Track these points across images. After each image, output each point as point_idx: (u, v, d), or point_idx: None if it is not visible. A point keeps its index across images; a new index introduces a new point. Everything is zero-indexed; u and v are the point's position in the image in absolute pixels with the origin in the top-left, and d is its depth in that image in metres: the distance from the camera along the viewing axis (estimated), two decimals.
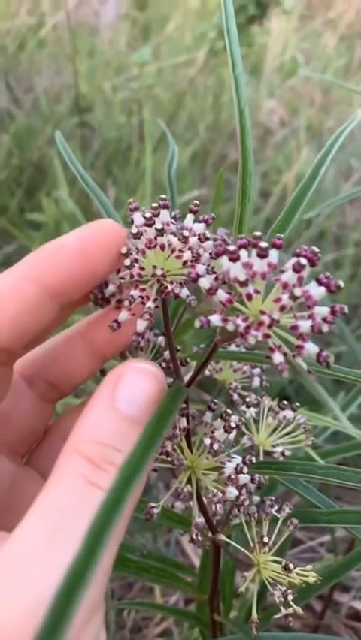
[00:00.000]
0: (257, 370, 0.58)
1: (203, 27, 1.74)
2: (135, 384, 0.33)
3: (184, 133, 2.21)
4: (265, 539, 0.46)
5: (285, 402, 0.54)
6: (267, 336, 0.31)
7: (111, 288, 0.39)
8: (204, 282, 0.34)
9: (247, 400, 0.54)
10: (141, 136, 2.02)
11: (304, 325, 0.31)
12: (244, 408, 0.54)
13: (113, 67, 2.52)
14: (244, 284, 0.32)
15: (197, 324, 0.32)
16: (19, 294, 0.34)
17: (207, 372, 0.58)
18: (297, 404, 0.55)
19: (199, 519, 0.44)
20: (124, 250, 0.37)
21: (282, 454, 0.52)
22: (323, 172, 0.49)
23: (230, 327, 0.31)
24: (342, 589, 1.01)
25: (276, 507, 0.47)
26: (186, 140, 2.17)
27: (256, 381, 0.58)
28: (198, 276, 0.34)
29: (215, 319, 0.32)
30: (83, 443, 0.31)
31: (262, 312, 0.31)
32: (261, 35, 2.82)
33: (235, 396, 0.57)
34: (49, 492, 0.30)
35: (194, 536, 0.44)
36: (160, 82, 2.42)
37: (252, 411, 0.54)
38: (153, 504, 0.43)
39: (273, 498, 0.47)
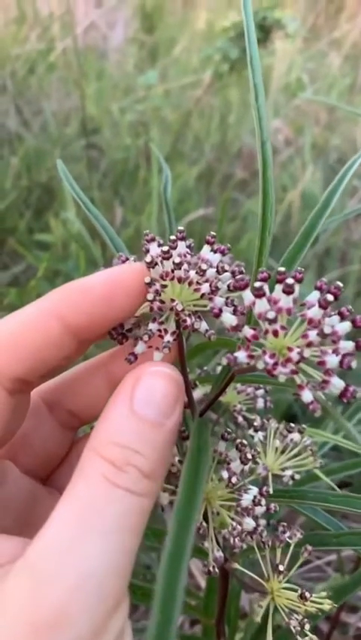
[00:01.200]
0: (261, 392, 0.58)
1: (208, 51, 1.77)
2: (153, 386, 0.34)
3: (191, 153, 2.24)
4: (281, 567, 0.45)
5: (292, 424, 0.54)
6: (295, 372, 0.31)
7: (129, 323, 0.38)
8: (229, 319, 0.33)
9: (255, 423, 0.54)
10: (147, 156, 2.05)
11: (332, 361, 0.31)
12: (251, 432, 0.54)
13: (121, 89, 2.57)
14: (272, 321, 0.32)
15: (224, 361, 0.32)
16: (44, 328, 0.35)
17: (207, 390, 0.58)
18: (304, 426, 0.54)
19: (218, 553, 0.43)
20: (147, 280, 0.36)
21: (292, 477, 0.51)
22: (334, 202, 0.47)
23: (260, 365, 0.31)
24: (349, 609, 1.00)
25: (288, 533, 0.46)
26: (193, 160, 2.19)
27: (260, 403, 0.58)
28: (221, 311, 0.34)
29: (241, 356, 0.32)
30: (103, 445, 0.32)
31: (290, 349, 0.31)
32: (266, 56, 2.87)
33: (240, 419, 0.57)
34: (73, 492, 0.31)
35: (211, 569, 0.43)
36: (167, 103, 2.46)
37: (259, 435, 0.53)
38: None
39: (285, 524, 0.47)
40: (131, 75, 2.74)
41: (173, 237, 0.38)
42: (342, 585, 0.57)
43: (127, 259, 0.39)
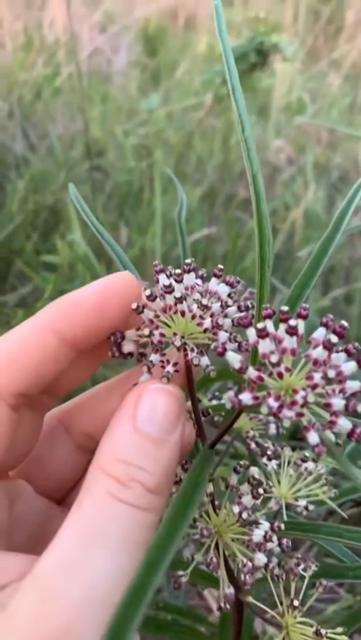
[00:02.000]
0: (273, 417, 0.58)
1: (208, 75, 1.80)
2: (155, 403, 0.35)
3: (193, 173, 2.28)
4: (295, 603, 0.44)
5: (306, 454, 0.53)
6: (301, 415, 0.31)
7: (130, 346, 0.38)
8: (233, 358, 0.33)
9: (268, 452, 0.53)
10: (151, 178, 2.08)
11: (338, 404, 0.31)
12: (265, 460, 0.53)
13: (125, 112, 2.62)
14: (276, 364, 0.32)
15: (228, 404, 0.32)
16: (41, 343, 0.36)
17: (216, 418, 0.57)
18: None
19: (229, 590, 0.42)
20: (134, 306, 0.37)
21: (306, 508, 0.50)
22: (344, 226, 0.46)
23: (264, 410, 0.31)
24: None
25: (302, 565, 0.46)
26: (196, 181, 2.23)
27: (273, 429, 0.58)
28: (225, 349, 0.34)
29: (246, 398, 0.32)
30: (108, 462, 0.33)
31: (295, 391, 0.31)
32: (267, 77, 2.91)
33: (253, 445, 0.56)
34: (79, 508, 0.32)
35: (222, 605, 0.42)
36: (170, 125, 2.50)
37: (273, 463, 0.53)
38: (180, 572, 0.42)
39: (299, 556, 0.46)
40: (135, 98, 2.79)
41: (179, 271, 0.38)
42: (356, 609, 0.56)
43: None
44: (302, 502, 0.50)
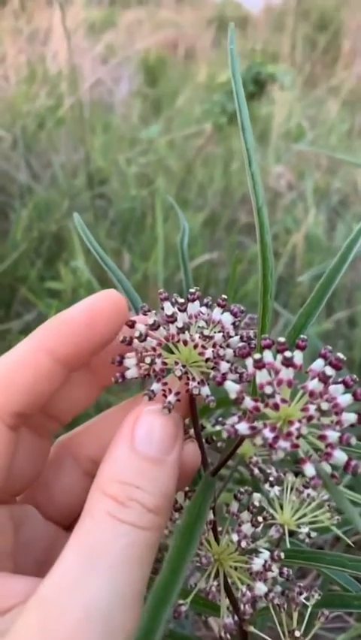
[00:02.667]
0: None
1: (207, 104, 1.84)
2: (151, 424, 0.35)
3: (195, 200, 2.30)
4: (297, 634, 0.44)
5: (308, 480, 0.53)
6: (296, 446, 0.31)
7: (133, 372, 0.38)
8: (231, 388, 0.33)
9: (270, 478, 0.53)
10: (153, 205, 2.11)
11: (333, 436, 0.31)
12: (267, 487, 0.53)
13: (127, 141, 2.67)
14: (271, 396, 0.32)
15: (224, 434, 0.32)
16: (35, 363, 0.37)
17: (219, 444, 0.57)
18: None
19: (228, 619, 0.41)
20: (137, 334, 0.37)
21: (308, 535, 0.50)
22: (352, 256, 0.46)
23: (258, 441, 0.31)
24: None
25: (305, 594, 0.45)
26: (198, 207, 2.25)
27: (275, 454, 0.58)
28: (224, 379, 0.34)
29: (243, 428, 0.32)
30: (107, 483, 0.33)
31: (290, 422, 0.31)
32: (266, 105, 2.97)
33: (256, 471, 0.56)
34: (81, 530, 0.32)
35: (223, 635, 0.41)
36: (171, 153, 2.54)
37: (276, 489, 0.52)
38: (181, 601, 0.41)
39: (301, 585, 0.46)
40: (136, 127, 2.84)
41: (182, 300, 0.38)
42: None
43: (149, 310, 0.40)
44: (305, 529, 0.50)
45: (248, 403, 0.32)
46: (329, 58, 4.30)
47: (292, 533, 0.50)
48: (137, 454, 0.34)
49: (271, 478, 0.53)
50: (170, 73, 4.17)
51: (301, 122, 3.05)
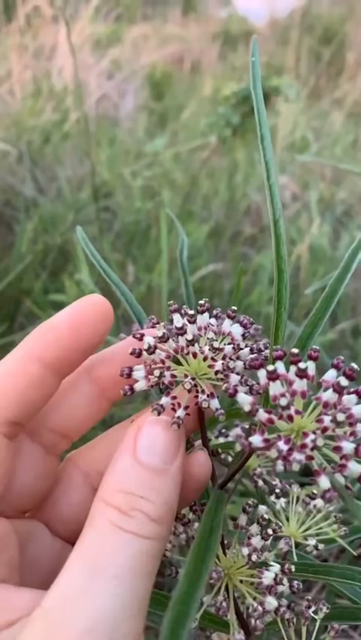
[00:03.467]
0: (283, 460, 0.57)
1: (212, 118, 1.86)
2: (154, 435, 0.35)
3: (200, 212, 2.31)
4: None
5: (314, 491, 0.52)
6: (310, 458, 0.31)
7: (142, 384, 0.38)
8: (244, 400, 0.33)
9: (276, 490, 0.52)
10: (158, 217, 2.12)
11: (348, 447, 0.31)
12: (273, 498, 0.52)
13: (133, 154, 2.68)
14: (285, 407, 0.32)
15: (237, 447, 0.32)
16: (25, 371, 0.37)
17: (230, 458, 0.56)
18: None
19: (239, 635, 0.40)
20: (145, 346, 0.37)
21: (316, 547, 0.49)
22: (355, 266, 0.46)
23: (272, 454, 0.31)
24: None
25: (313, 607, 0.44)
26: (202, 218, 2.26)
27: (280, 466, 0.57)
28: (236, 391, 0.34)
29: (256, 441, 0.31)
30: (110, 493, 0.33)
31: (305, 434, 0.31)
32: (271, 117, 2.99)
33: (261, 483, 0.56)
34: (84, 540, 0.32)
35: None
36: (176, 166, 2.56)
37: (281, 501, 0.52)
38: None
39: (309, 598, 0.45)
40: (142, 141, 2.86)
41: (192, 312, 0.38)
42: None
43: (158, 322, 0.40)
44: (312, 541, 0.49)
45: (262, 415, 0.32)
46: (333, 71, 4.33)
47: (297, 545, 0.50)
48: (140, 464, 0.34)
49: (277, 490, 0.52)
50: (175, 88, 4.20)
51: (305, 134, 3.07)
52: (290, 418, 0.32)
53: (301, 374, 0.32)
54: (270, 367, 0.32)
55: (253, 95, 0.48)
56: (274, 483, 0.55)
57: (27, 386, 0.37)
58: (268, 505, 0.49)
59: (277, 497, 0.52)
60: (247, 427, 0.59)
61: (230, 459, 0.56)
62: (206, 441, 0.41)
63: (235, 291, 0.73)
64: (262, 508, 0.45)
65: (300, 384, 0.32)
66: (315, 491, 0.52)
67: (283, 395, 0.32)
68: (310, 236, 2.05)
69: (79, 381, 0.41)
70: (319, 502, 0.51)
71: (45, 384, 0.38)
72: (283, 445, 0.31)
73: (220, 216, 2.32)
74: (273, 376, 0.32)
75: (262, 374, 0.33)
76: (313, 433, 0.31)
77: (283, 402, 0.32)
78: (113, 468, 0.35)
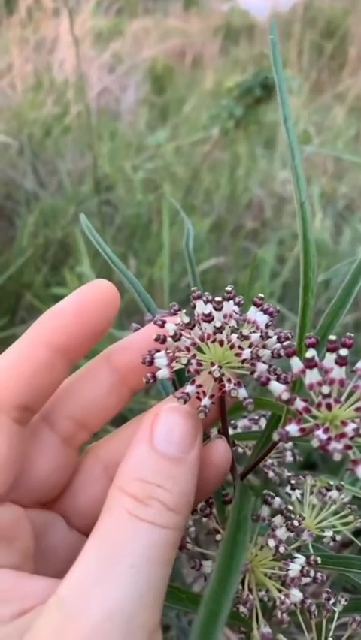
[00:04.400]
0: (289, 445, 0.57)
1: (215, 110, 1.85)
2: (171, 423, 0.35)
3: (201, 205, 2.31)
4: None
5: (330, 482, 0.52)
6: (349, 447, 0.30)
7: (165, 372, 0.37)
8: (278, 388, 0.32)
9: (292, 481, 0.52)
10: (159, 210, 2.11)
11: None
12: (288, 490, 0.51)
13: (134, 148, 2.68)
14: (327, 395, 0.31)
15: (275, 437, 0.31)
16: (34, 355, 0.37)
17: (240, 450, 0.56)
18: (342, 483, 0.52)
19: (266, 629, 0.39)
20: (171, 332, 0.36)
21: (333, 539, 0.48)
22: None
23: (314, 443, 0.30)
24: None
25: (332, 600, 0.43)
26: (204, 212, 2.25)
27: (289, 456, 0.57)
28: (268, 379, 0.33)
29: (293, 430, 0.31)
30: (127, 482, 0.33)
31: (343, 423, 0.31)
32: (273, 111, 2.98)
33: (271, 474, 0.55)
34: (100, 529, 0.32)
35: None
36: (178, 159, 2.55)
37: (297, 493, 0.51)
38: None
39: (329, 590, 0.44)
40: (143, 134, 2.85)
41: (218, 299, 0.37)
42: None
43: (179, 309, 0.39)
44: (329, 533, 0.48)
45: (299, 404, 0.31)
46: (335, 65, 4.31)
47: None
48: (156, 453, 0.34)
49: (292, 481, 0.52)
50: (177, 81, 4.19)
51: (307, 128, 3.05)
52: (329, 407, 0.31)
53: (342, 361, 0.31)
54: (309, 354, 0.32)
55: (274, 73, 0.46)
56: (288, 474, 0.54)
57: (36, 371, 0.37)
58: (281, 497, 0.48)
59: (293, 488, 0.51)
60: (256, 417, 0.59)
61: (240, 450, 0.56)
62: (226, 430, 0.41)
63: (248, 282, 0.71)
64: (276, 500, 0.44)
65: (339, 372, 0.32)
66: (331, 482, 0.52)
67: (321, 383, 0.31)
68: (312, 230, 2.04)
69: (99, 370, 0.41)
70: (334, 493, 0.51)
71: (54, 369, 0.38)
72: (322, 435, 0.30)
73: (222, 210, 2.31)
74: (311, 364, 0.31)
75: (295, 362, 0.32)
76: (353, 421, 0.31)
77: (325, 390, 0.31)
78: (130, 456, 0.34)
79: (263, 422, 0.59)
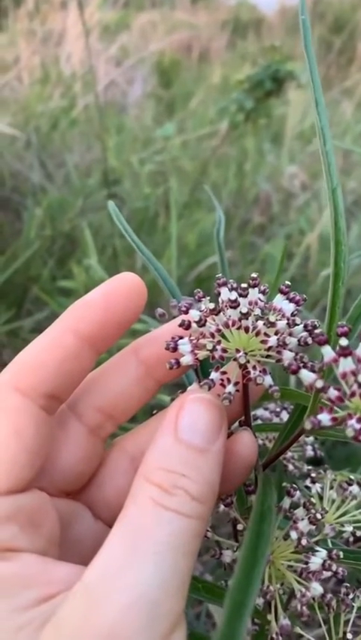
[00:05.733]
0: (310, 439, 0.57)
1: (224, 102, 1.84)
2: (195, 413, 0.35)
3: (208, 200, 2.30)
4: (349, 636, 0.43)
5: (351, 477, 0.51)
6: None
7: (189, 358, 0.37)
8: (309, 377, 0.32)
9: (312, 475, 0.52)
10: (166, 204, 2.10)
11: None
12: (308, 483, 0.51)
13: (141, 141, 2.67)
14: None
15: (307, 425, 0.31)
16: (62, 343, 0.38)
17: (260, 442, 0.55)
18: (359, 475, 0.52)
19: (285, 620, 0.39)
20: (196, 318, 0.36)
21: (353, 534, 0.48)
22: None
23: (349, 433, 0.30)
24: None
25: (351, 595, 0.43)
26: (211, 207, 2.25)
27: (310, 451, 0.57)
28: (298, 367, 0.33)
29: (325, 419, 0.31)
30: (152, 471, 0.33)
31: None
32: (281, 106, 2.96)
33: (291, 467, 0.55)
34: (125, 517, 0.32)
35: (275, 636, 0.39)
36: (185, 153, 2.54)
37: (317, 486, 0.51)
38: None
39: (348, 585, 0.44)
40: (150, 128, 2.84)
41: (245, 285, 0.37)
42: None
43: (203, 296, 0.38)
44: (349, 528, 0.48)
45: (332, 392, 0.31)
46: (344, 60, 4.28)
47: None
48: (181, 443, 0.34)
49: (313, 475, 0.51)
50: (184, 75, 4.17)
51: (315, 123, 3.03)
52: None
53: None
54: (343, 342, 0.31)
55: (305, 54, 0.46)
56: (309, 468, 0.54)
57: (64, 358, 0.37)
58: (301, 491, 0.48)
59: (313, 482, 0.51)
60: (278, 410, 0.59)
61: (259, 442, 0.55)
62: (250, 421, 0.40)
63: (278, 269, 0.69)
64: (297, 492, 0.43)
65: None
66: (352, 477, 0.51)
67: (355, 372, 0.31)
68: (319, 225, 2.03)
69: (126, 362, 0.41)
70: (355, 488, 0.50)
71: (81, 358, 0.38)
72: (357, 424, 0.30)
73: (229, 205, 2.31)
74: (346, 352, 0.31)
75: (326, 350, 0.32)
76: None
77: None
78: (155, 446, 0.35)
79: (284, 415, 0.59)
